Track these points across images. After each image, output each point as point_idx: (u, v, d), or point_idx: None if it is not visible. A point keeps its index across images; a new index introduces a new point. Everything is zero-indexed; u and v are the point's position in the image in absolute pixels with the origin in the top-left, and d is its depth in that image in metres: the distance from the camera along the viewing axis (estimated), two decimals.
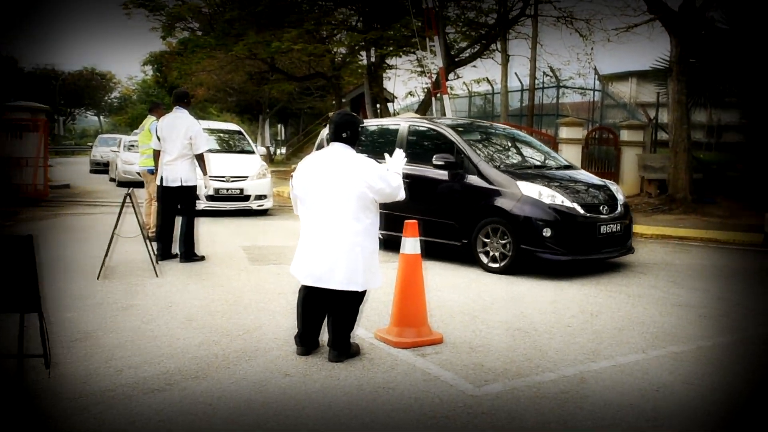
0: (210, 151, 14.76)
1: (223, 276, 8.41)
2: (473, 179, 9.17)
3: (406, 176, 9.50)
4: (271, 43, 22.80)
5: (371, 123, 11.61)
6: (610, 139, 19.15)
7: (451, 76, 24.20)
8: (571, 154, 17.30)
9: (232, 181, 14.62)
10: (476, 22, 24.69)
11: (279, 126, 50.70)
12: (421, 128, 10.41)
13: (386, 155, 5.73)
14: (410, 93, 29.99)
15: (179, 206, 9.34)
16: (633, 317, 6.72)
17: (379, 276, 5.39)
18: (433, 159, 9.33)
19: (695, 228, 12.37)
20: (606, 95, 24.93)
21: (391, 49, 24.09)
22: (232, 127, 17.99)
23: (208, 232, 11.74)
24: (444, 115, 18.51)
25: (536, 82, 22.98)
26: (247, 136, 17.27)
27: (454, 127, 10.03)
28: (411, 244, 5.70)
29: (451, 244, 9.36)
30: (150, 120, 11.06)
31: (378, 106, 25.90)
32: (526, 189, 8.75)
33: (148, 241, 8.37)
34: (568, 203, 8.68)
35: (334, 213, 5.11)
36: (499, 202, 8.82)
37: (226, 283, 8.01)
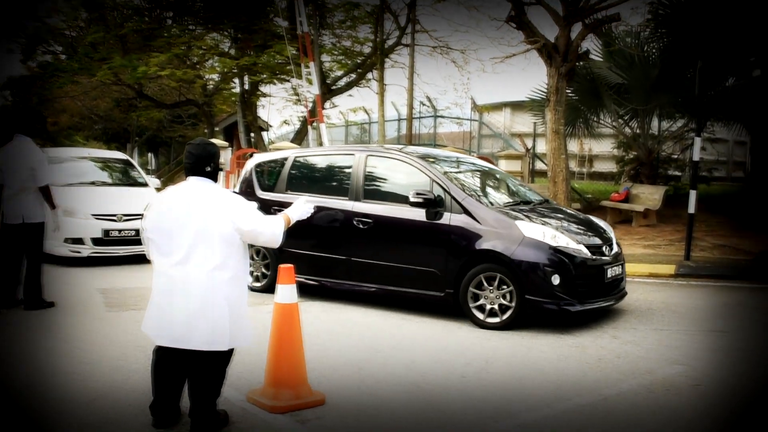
0: (94, 184, 13.23)
1: (73, 326, 7.39)
2: (458, 218, 7.87)
3: (367, 216, 8.59)
4: (137, 67, 21.62)
5: (311, 153, 10.06)
6: None
7: (327, 104, 23.67)
8: None
9: (125, 221, 12.04)
10: (352, 51, 24.35)
11: (149, 155, 48.79)
12: (383, 159, 8.92)
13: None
14: (285, 122, 29.17)
15: (23, 247, 8.24)
16: (530, 363, 6.22)
17: (249, 332, 4.59)
18: (410, 196, 8.03)
19: None
20: (482, 125, 25.04)
21: (265, 76, 23.31)
22: (119, 155, 15.26)
23: (63, 273, 10.55)
24: (320, 144, 17.87)
25: (413, 111, 22.76)
26: (137, 165, 15.00)
27: (424, 158, 8.71)
28: (286, 292, 4.98)
29: (431, 294, 8.08)
30: None
31: (252, 134, 25.03)
32: (528, 230, 7.58)
33: None
34: (573, 245, 7.62)
35: (195, 259, 4.32)
36: (495, 245, 7.58)
37: (76, 335, 7.02)
